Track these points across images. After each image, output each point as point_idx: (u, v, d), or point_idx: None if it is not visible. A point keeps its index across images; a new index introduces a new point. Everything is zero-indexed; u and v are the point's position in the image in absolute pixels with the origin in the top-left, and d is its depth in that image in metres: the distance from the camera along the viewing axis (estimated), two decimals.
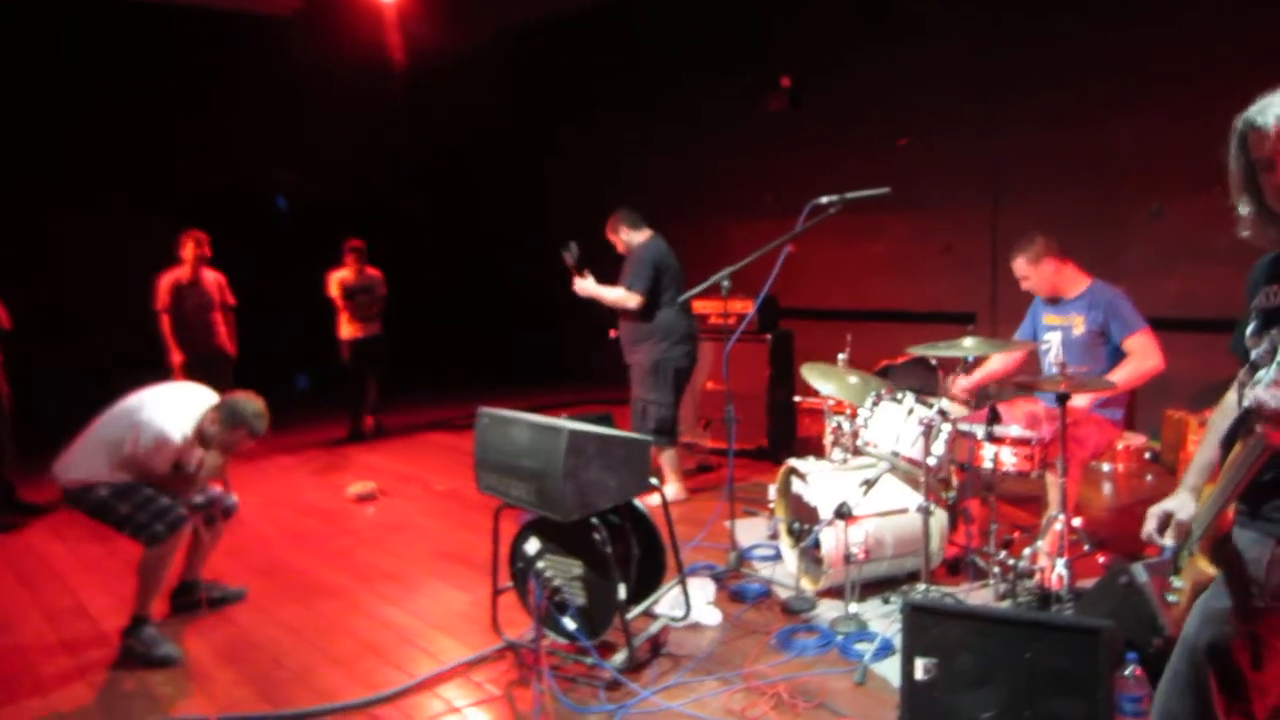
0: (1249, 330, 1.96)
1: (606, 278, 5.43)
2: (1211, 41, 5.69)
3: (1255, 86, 1.84)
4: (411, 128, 10.89)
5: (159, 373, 6.80)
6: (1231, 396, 2.10)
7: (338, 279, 7.63)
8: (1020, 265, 4.25)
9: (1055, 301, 4.29)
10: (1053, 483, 3.78)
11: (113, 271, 7.78)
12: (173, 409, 3.72)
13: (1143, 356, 3.99)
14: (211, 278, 6.92)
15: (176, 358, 6.73)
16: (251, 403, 3.81)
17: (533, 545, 3.36)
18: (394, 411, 8.40)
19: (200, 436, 3.73)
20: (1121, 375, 3.95)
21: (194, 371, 6.73)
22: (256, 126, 9.55)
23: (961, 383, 4.46)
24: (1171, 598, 2.10)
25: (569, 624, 3.27)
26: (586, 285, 5.42)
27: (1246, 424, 1.79)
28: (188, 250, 6.74)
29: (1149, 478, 5.97)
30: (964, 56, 7.16)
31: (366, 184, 10.45)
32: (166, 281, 6.70)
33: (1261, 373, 1.87)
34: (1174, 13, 5.92)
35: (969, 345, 3.91)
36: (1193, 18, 5.82)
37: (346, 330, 7.70)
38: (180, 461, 3.66)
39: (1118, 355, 4.09)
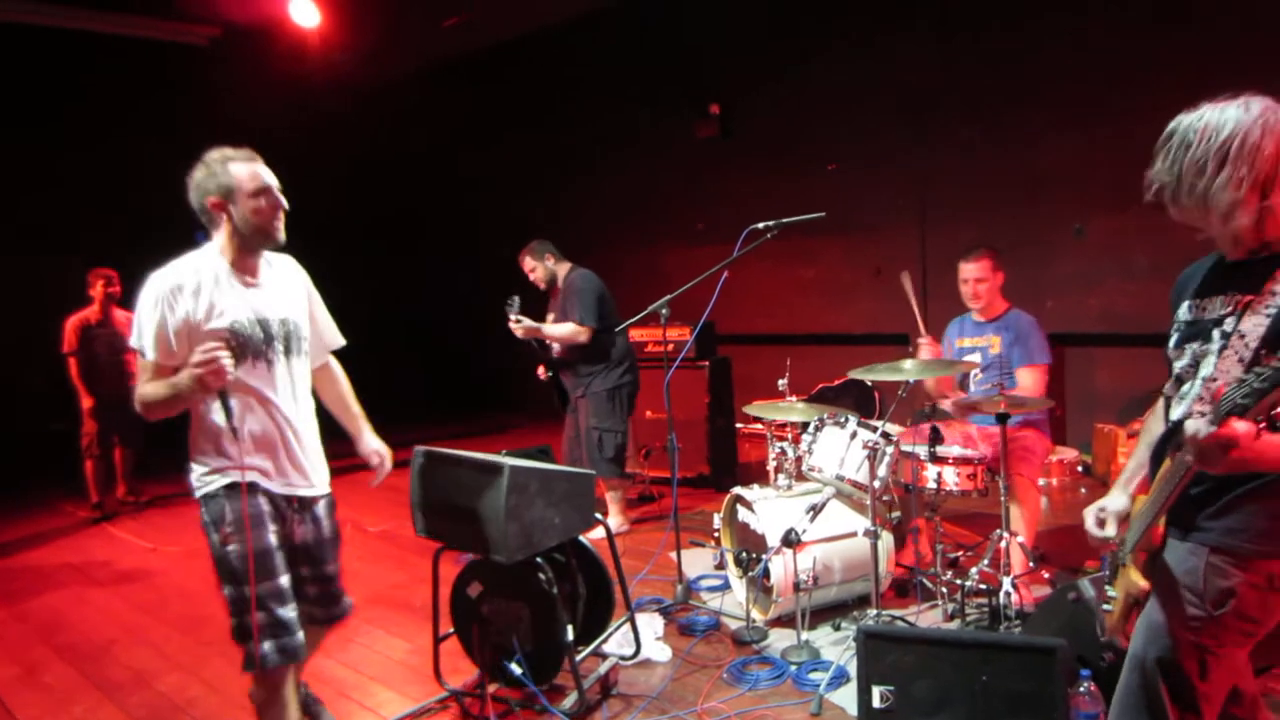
0: (1171, 343, 2.00)
1: (529, 311, 5.28)
2: (1129, 69, 5.89)
3: (1169, 111, 1.92)
4: (336, 156, 10.65)
5: (70, 418, 6.49)
6: (1160, 406, 2.14)
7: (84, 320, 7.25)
8: (982, 268, 4.32)
9: (977, 322, 4.40)
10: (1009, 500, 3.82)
11: (21, 313, 7.40)
12: None
13: (1028, 391, 4.10)
14: (123, 317, 6.59)
15: (86, 401, 6.42)
16: None
17: (475, 588, 3.24)
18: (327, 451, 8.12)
19: None
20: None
21: (106, 414, 6.43)
22: (172, 159, 9.22)
23: (925, 352, 4.46)
24: (1105, 606, 2.12)
25: (515, 669, 3.14)
26: (530, 324, 5.23)
27: (1174, 438, 1.81)
28: (96, 289, 6.46)
29: (1082, 490, 6.08)
30: (889, 84, 7.29)
31: (290, 215, 10.17)
32: (74, 323, 6.40)
33: (1186, 387, 1.89)
34: (1092, 42, 6.11)
35: (908, 368, 3.92)
36: (1110, 47, 6.02)
37: None
38: None
39: None
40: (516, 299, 5.16)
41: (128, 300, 6.60)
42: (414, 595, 4.55)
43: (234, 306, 2.57)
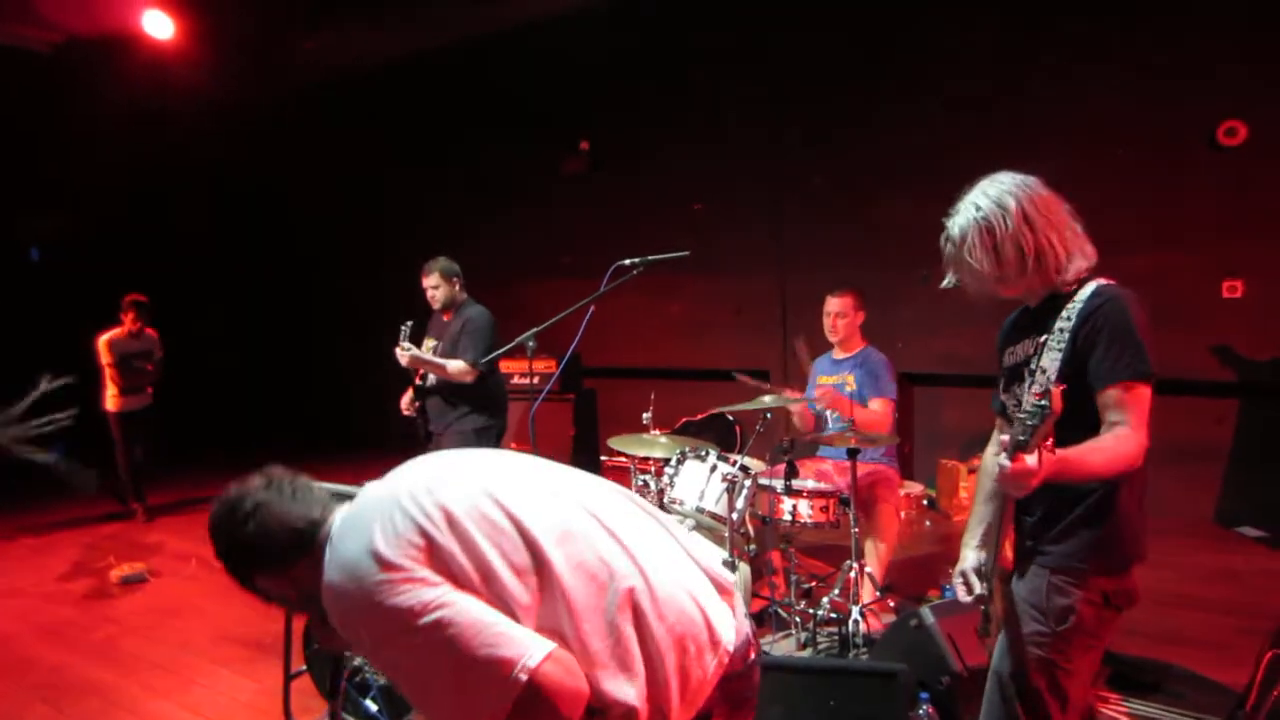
0: (1000, 388, 2.21)
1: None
2: (953, 138, 6.34)
3: (983, 170, 2.17)
4: (194, 175, 10.21)
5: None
6: (990, 452, 2.34)
7: (109, 341, 6.84)
8: (845, 304, 4.57)
9: (835, 360, 4.65)
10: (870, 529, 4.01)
11: None
12: None
13: (875, 418, 4.35)
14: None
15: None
16: None
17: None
18: (173, 483, 7.70)
19: None
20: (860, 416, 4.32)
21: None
22: (7, 170, 8.63)
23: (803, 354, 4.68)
24: (982, 631, 2.26)
25: (371, 706, 3.07)
26: (417, 355, 4.89)
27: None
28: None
29: (928, 523, 6.42)
30: (749, 140, 7.58)
31: (138, 236, 9.68)
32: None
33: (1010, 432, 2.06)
34: (925, 115, 6.57)
35: (767, 401, 4.08)
36: (937, 119, 6.50)
37: (112, 402, 6.89)
38: None
39: None
40: (409, 324, 4.94)
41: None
42: (263, 632, 4.35)
43: None
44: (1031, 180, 2.09)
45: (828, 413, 4.57)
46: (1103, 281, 2.05)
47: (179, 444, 8.78)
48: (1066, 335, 1.99)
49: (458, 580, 1.45)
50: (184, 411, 8.30)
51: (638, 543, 1.61)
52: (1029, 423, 1.71)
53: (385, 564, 1.44)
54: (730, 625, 1.62)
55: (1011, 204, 2.03)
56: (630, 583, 1.53)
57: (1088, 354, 1.96)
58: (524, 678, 1.37)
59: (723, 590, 1.68)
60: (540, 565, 1.50)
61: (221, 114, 9.29)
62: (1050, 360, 1.99)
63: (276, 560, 1.65)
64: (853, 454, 3.87)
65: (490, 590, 1.46)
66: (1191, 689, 3.14)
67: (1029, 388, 2.03)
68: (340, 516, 1.63)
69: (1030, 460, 1.74)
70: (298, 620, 3.28)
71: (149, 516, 7.15)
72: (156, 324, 7.14)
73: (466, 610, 1.41)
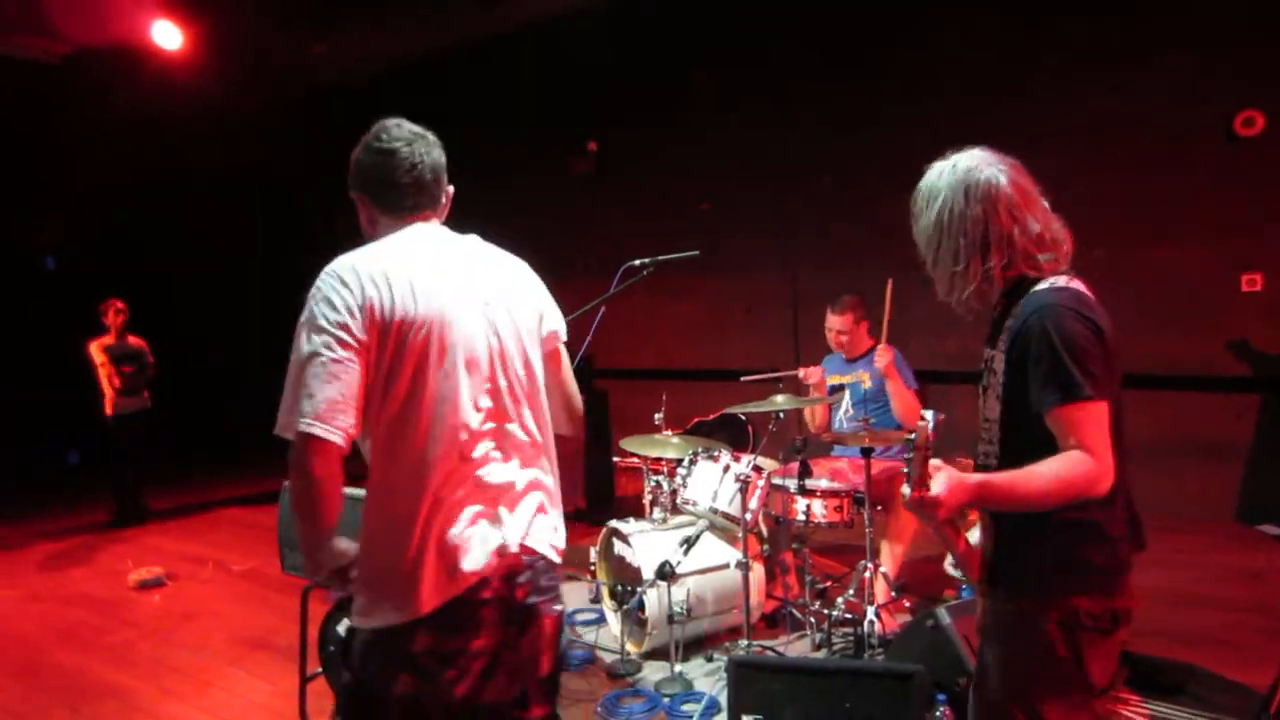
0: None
1: None
2: (958, 136, 6.29)
3: None
4: (202, 179, 10.24)
5: None
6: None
7: (101, 346, 6.95)
8: (845, 321, 4.56)
9: (847, 360, 4.63)
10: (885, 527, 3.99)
11: None
12: None
13: (915, 404, 4.36)
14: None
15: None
16: None
17: (344, 625, 3.14)
18: (186, 487, 7.75)
19: None
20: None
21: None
22: (18, 180, 8.70)
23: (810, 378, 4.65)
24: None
25: None
26: None
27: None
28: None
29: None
30: (755, 140, 7.54)
31: (147, 240, 9.72)
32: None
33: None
34: (928, 114, 6.50)
35: (780, 401, 4.06)
36: (939, 119, 6.45)
37: (110, 406, 6.94)
38: None
39: None
40: None
41: None
42: (279, 635, 4.37)
43: None
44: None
45: (840, 410, 4.55)
46: (1044, 285, 1.84)
47: (185, 446, 8.84)
48: (1004, 351, 1.85)
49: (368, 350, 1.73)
50: (186, 413, 8.35)
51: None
52: (906, 456, 1.65)
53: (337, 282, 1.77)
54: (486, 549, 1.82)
55: (982, 186, 1.90)
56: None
57: (1024, 374, 1.80)
58: (303, 430, 1.66)
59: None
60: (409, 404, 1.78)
61: (228, 119, 9.31)
62: (1001, 364, 1.87)
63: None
64: (866, 452, 3.84)
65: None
66: (1213, 690, 3.10)
67: (989, 389, 1.94)
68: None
69: (935, 489, 1.66)
70: (312, 624, 3.29)
71: (140, 520, 7.22)
72: (165, 328, 7.22)
73: (337, 365, 1.69)
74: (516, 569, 1.87)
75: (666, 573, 3.63)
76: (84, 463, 8.45)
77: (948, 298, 1.97)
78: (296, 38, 8.13)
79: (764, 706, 2.80)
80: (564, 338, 2.11)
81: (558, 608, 1.98)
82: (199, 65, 7.60)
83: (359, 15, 7.87)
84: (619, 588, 4.08)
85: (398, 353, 1.76)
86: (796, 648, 3.98)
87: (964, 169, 1.92)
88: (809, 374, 4.65)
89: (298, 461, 1.69)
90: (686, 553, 3.74)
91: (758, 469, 3.96)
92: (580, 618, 4.52)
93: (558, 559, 1.99)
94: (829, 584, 4.41)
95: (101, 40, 7.39)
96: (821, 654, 3.86)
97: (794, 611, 4.16)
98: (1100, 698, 1.89)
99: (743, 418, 5.90)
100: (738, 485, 3.88)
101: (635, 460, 5.28)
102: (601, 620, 4.37)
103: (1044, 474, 1.70)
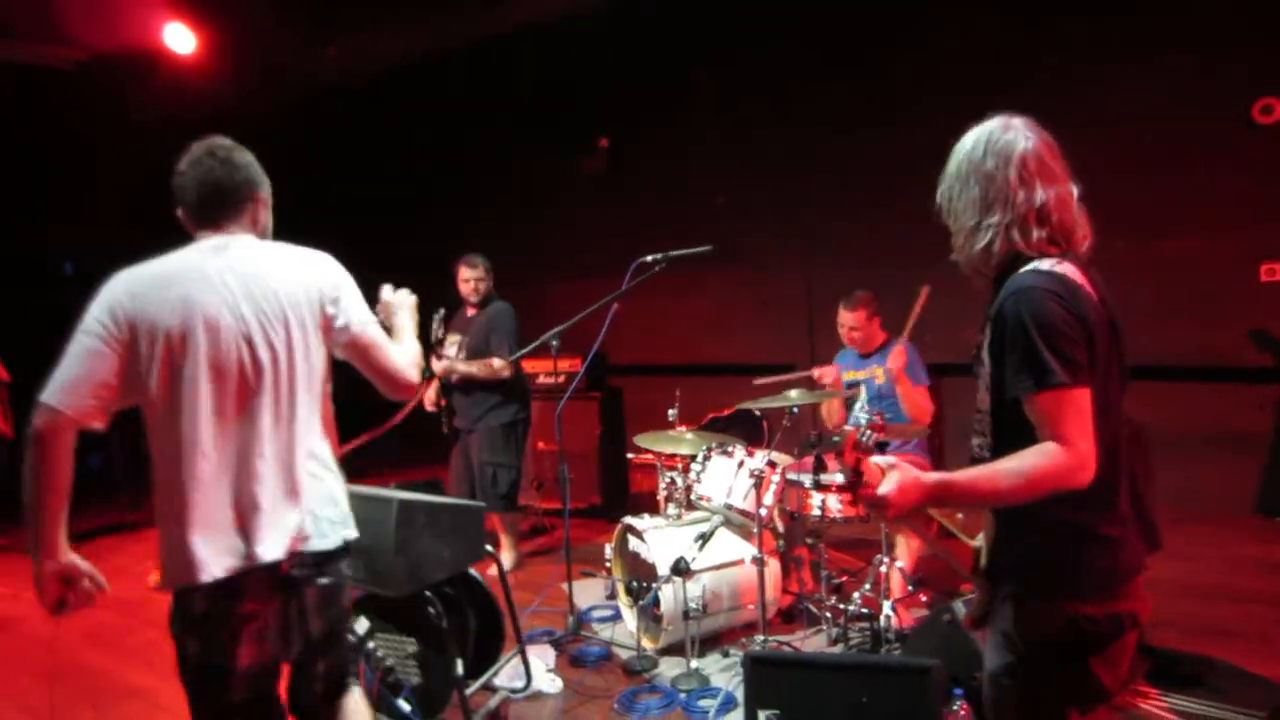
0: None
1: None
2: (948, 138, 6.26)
3: None
4: None
5: None
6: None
7: None
8: (858, 318, 4.54)
9: (861, 355, 4.60)
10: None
11: None
12: None
13: (926, 403, 4.37)
14: None
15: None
16: None
17: (362, 624, 3.16)
18: None
19: None
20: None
21: None
22: (34, 186, 8.76)
23: (825, 378, 4.66)
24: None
25: (404, 706, 3.08)
26: (453, 365, 5.04)
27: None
28: None
29: (960, 515, 6.34)
30: (765, 137, 7.52)
31: (158, 248, 9.74)
32: None
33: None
34: (929, 113, 6.45)
35: (794, 396, 4.05)
36: (940, 116, 6.38)
37: None
38: None
39: None
40: (441, 312, 4.92)
41: None
42: None
43: None
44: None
45: (857, 406, 4.54)
46: (1028, 268, 1.77)
47: None
48: (988, 336, 1.80)
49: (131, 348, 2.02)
50: None
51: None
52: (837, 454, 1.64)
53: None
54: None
55: (1000, 144, 1.85)
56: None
57: (1002, 361, 1.74)
58: (41, 400, 1.94)
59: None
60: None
61: (241, 121, 9.32)
62: (985, 350, 1.81)
63: None
64: (882, 447, 3.83)
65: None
66: (1233, 683, 3.08)
67: (979, 389, 1.88)
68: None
69: (884, 489, 1.62)
70: None
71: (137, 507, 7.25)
72: None
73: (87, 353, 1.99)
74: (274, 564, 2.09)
75: (682, 569, 3.63)
76: (104, 466, 8.49)
77: (959, 255, 1.92)
78: (309, 40, 8.16)
79: (780, 702, 2.80)
80: (362, 330, 2.27)
81: (324, 580, 2.19)
82: (211, 67, 7.63)
83: (372, 17, 7.89)
84: (634, 584, 4.08)
85: (151, 352, 2.01)
86: (813, 643, 3.97)
87: (992, 127, 1.88)
88: (824, 374, 4.65)
89: (31, 424, 1.95)
90: (701, 549, 3.74)
91: (772, 464, 3.96)
92: (596, 615, 4.53)
93: (330, 544, 2.18)
94: (845, 579, 4.40)
95: (115, 46, 7.44)
96: (838, 649, 3.85)
97: (810, 607, 4.15)
98: (1109, 702, 1.82)
99: (757, 413, 5.89)
100: (752, 481, 3.87)
101: (649, 456, 5.29)
102: (617, 616, 4.38)
103: (1011, 469, 1.64)
